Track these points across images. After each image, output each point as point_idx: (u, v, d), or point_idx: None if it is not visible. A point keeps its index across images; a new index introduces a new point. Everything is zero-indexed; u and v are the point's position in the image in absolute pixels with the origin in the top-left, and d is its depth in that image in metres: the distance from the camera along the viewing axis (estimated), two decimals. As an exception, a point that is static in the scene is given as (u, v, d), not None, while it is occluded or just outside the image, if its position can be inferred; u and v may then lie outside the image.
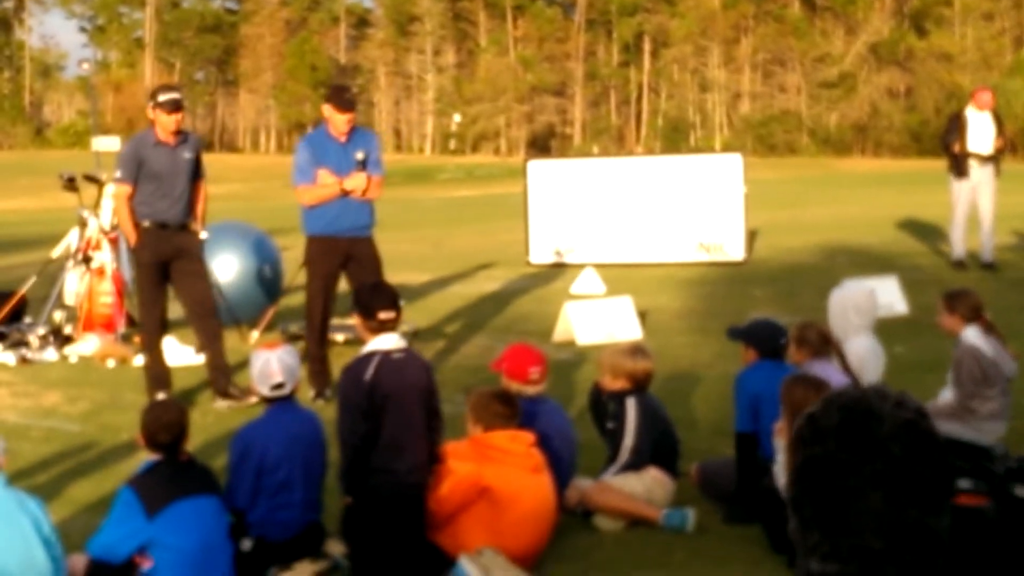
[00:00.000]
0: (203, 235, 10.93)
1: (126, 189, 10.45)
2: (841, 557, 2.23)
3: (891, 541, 2.21)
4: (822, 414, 2.31)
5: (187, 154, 10.60)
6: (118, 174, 10.52)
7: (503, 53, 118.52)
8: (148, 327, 10.63)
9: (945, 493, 2.25)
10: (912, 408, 2.29)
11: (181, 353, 11.51)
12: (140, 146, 10.56)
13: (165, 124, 10.41)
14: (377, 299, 7.24)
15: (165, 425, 6.42)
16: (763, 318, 8.64)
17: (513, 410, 7.07)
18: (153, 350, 10.61)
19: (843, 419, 2.27)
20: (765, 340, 7.92)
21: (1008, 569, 3.97)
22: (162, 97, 10.45)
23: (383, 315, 7.13)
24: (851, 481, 2.22)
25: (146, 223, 10.44)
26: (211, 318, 10.72)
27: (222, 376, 10.57)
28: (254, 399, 9.74)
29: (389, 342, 7.05)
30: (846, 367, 7.74)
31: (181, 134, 10.61)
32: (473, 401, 7.11)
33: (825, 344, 7.88)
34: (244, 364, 9.94)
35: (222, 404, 10.41)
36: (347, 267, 10.68)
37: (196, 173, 10.73)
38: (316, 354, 10.75)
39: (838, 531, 2.23)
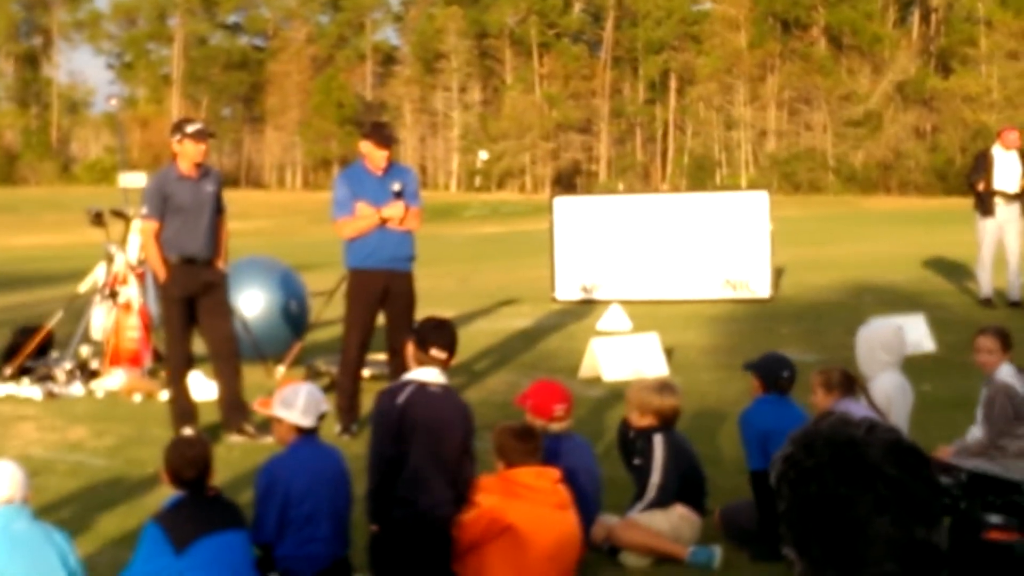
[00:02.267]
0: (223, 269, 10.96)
1: (153, 225, 10.48)
2: None
3: (905, 563, 2.19)
4: (805, 454, 2.29)
5: (210, 187, 10.64)
6: (144, 210, 10.56)
7: (529, 90, 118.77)
8: (174, 362, 10.64)
9: (940, 505, 2.24)
10: (885, 428, 2.29)
11: (207, 388, 11.53)
12: (164, 181, 10.60)
13: (192, 154, 10.45)
14: (436, 336, 7.24)
15: (190, 461, 6.41)
16: (773, 351, 8.63)
17: (532, 445, 7.04)
18: (179, 385, 10.61)
19: (832, 454, 2.26)
20: (767, 372, 7.91)
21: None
22: (190, 128, 10.51)
23: (435, 352, 7.15)
24: (856, 512, 2.21)
25: (174, 258, 10.47)
26: (232, 357, 10.73)
27: (238, 413, 10.57)
28: (269, 439, 9.76)
29: (430, 375, 7.04)
30: (873, 405, 7.70)
31: (203, 168, 10.64)
32: (494, 438, 7.11)
33: (851, 384, 7.86)
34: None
35: (236, 439, 10.41)
36: (384, 301, 10.71)
37: (218, 207, 10.77)
38: (347, 388, 10.74)
39: (854, 564, 2.21)
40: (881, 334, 8.45)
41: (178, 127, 10.64)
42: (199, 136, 10.48)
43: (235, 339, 10.84)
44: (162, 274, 10.52)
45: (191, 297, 10.51)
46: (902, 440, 2.28)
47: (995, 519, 3.98)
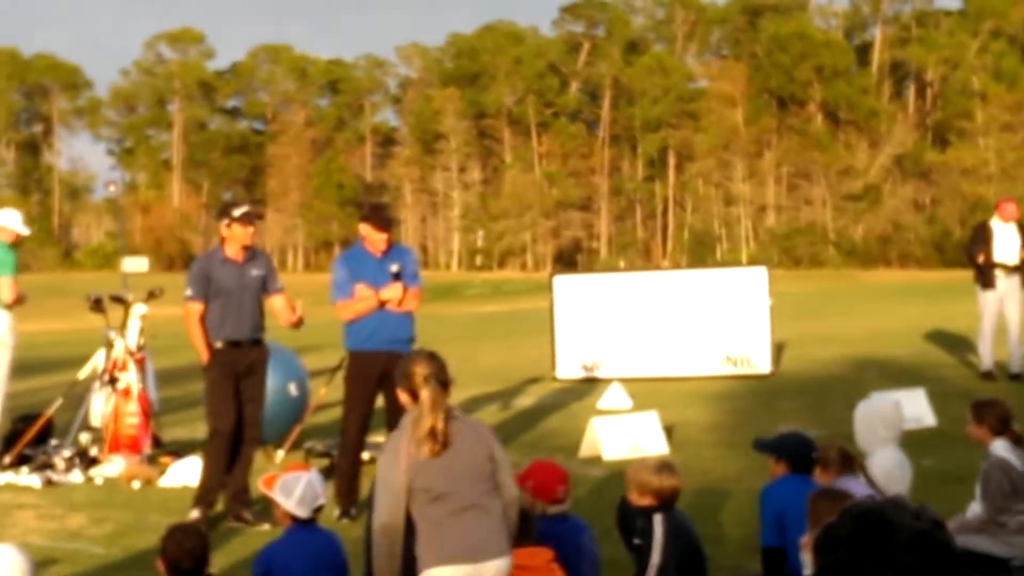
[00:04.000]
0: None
1: (197, 307, 10.53)
2: None
3: None
4: (838, 523, 2.31)
5: (255, 271, 10.70)
6: (189, 292, 10.59)
7: (528, 169, 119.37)
8: (216, 441, 10.59)
9: None
10: (929, 519, 2.29)
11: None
12: (208, 264, 10.70)
13: (241, 237, 10.53)
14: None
15: (187, 552, 6.40)
16: (792, 430, 8.59)
17: (527, 526, 7.01)
18: (216, 464, 10.55)
19: (856, 528, 2.27)
20: (797, 453, 7.87)
21: None
22: (237, 212, 10.61)
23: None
24: None
25: (219, 344, 10.53)
26: (253, 444, 10.79)
27: (239, 502, 10.55)
28: (267, 526, 9.74)
29: None
30: (871, 482, 7.68)
31: (249, 251, 10.71)
32: None
33: (848, 461, 7.85)
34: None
35: (232, 525, 10.38)
36: (383, 384, 10.69)
37: (266, 290, 10.80)
38: (347, 471, 10.72)
39: None
40: (880, 409, 8.44)
41: (225, 211, 10.74)
42: (246, 219, 10.59)
43: (260, 427, 10.85)
44: (205, 356, 10.57)
45: (238, 377, 10.59)
46: (936, 534, 2.27)
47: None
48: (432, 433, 5.91)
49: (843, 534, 2.29)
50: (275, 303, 10.92)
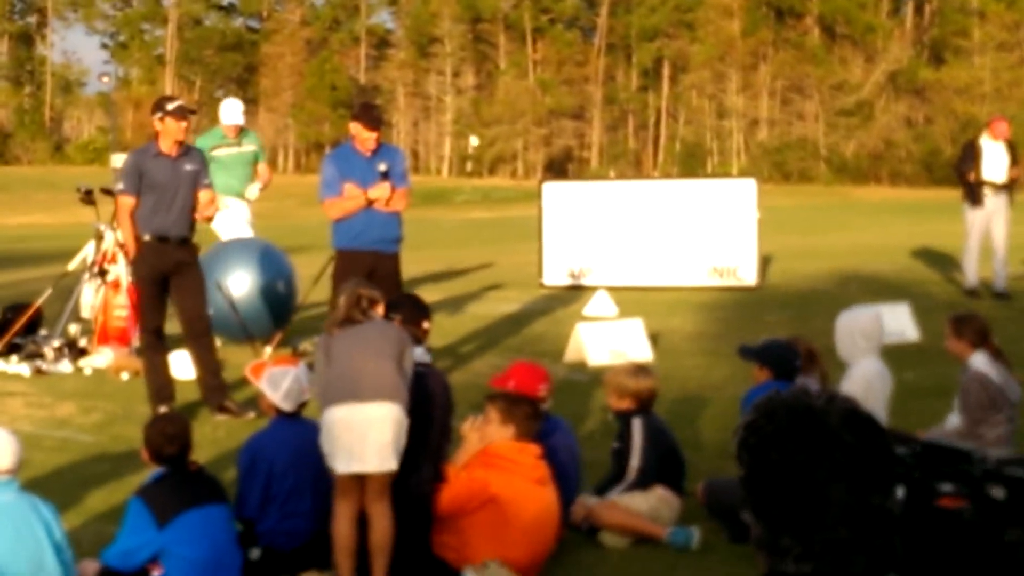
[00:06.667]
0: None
1: (129, 201, 10.48)
2: (815, 555, 2.30)
3: (857, 529, 2.27)
4: (767, 421, 2.37)
5: (188, 166, 10.61)
6: (120, 186, 10.58)
7: (522, 76, 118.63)
8: (146, 340, 10.68)
9: (894, 474, 2.32)
10: (843, 398, 2.37)
11: (191, 368, 11.58)
12: (142, 158, 10.60)
13: (174, 131, 10.44)
14: (422, 310, 7.81)
15: (170, 438, 6.50)
16: (777, 338, 8.70)
17: (540, 416, 7.23)
18: (154, 363, 10.63)
19: (792, 420, 2.34)
20: (781, 360, 8.00)
21: (984, 568, 4.07)
22: (171, 106, 10.52)
23: (427, 324, 7.75)
24: (813, 478, 2.28)
25: (147, 236, 10.47)
26: (205, 336, 10.75)
27: (217, 392, 10.62)
28: (252, 415, 9.84)
29: (416, 355, 7.14)
30: (823, 380, 7.98)
31: (183, 146, 10.66)
32: (502, 404, 7.17)
33: (812, 359, 8.10)
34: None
35: (220, 418, 10.46)
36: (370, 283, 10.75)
37: (197, 185, 10.69)
38: None
39: (810, 529, 2.29)
40: (860, 321, 8.53)
41: (159, 105, 10.65)
42: (180, 114, 10.48)
43: (207, 318, 10.83)
44: (132, 251, 10.57)
45: (163, 275, 10.53)
46: (859, 410, 2.36)
47: (946, 487, 4.10)
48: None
49: (780, 428, 2.36)
50: (201, 196, 10.73)
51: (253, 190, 14.71)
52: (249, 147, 14.74)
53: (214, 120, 15.24)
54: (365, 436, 6.61)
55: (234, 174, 14.39)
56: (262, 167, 14.89)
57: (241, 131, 14.68)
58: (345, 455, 6.61)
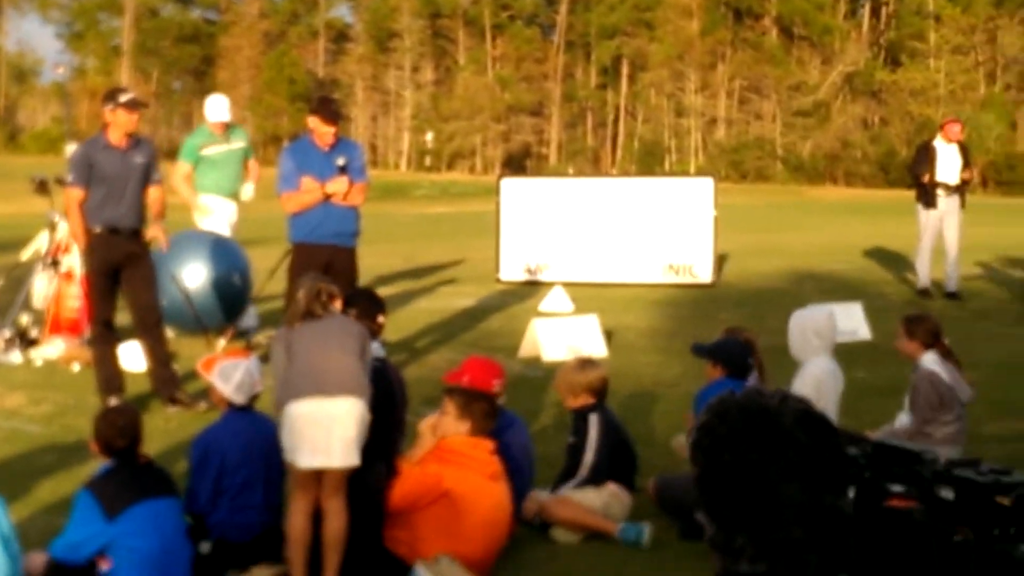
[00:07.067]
0: (160, 236, 10.94)
1: (78, 193, 10.40)
2: (769, 554, 2.30)
3: (810, 529, 2.28)
4: (719, 421, 2.38)
5: (139, 159, 10.54)
6: (69, 178, 10.49)
7: (481, 72, 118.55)
8: (96, 331, 10.62)
9: (847, 474, 2.33)
10: (796, 398, 2.38)
11: (142, 359, 11.52)
12: (91, 150, 10.52)
13: (125, 123, 10.37)
14: (377, 305, 7.94)
15: (120, 430, 6.46)
16: (729, 337, 8.72)
17: (496, 413, 7.23)
18: (103, 354, 10.57)
19: (745, 421, 2.34)
20: (734, 358, 8.04)
21: (934, 568, 4.11)
22: (122, 97, 10.45)
23: (382, 319, 7.83)
24: (767, 477, 2.29)
25: (97, 228, 10.41)
26: (156, 327, 10.71)
27: (168, 384, 10.57)
28: (203, 406, 9.79)
29: (372, 350, 7.14)
30: (761, 373, 8.12)
31: (133, 138, 10.59)
32: (460, 399, 7.18)
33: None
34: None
35: (171, 410, 10.41)
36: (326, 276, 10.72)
37: (148, 178, 10.66)
38: None
39: (763, 529, 2.30)
40: (814, 319, 8.56)
41: (110, 96, 10.57)
42: (131, 106, 10.42)
43: (158, 309, 10.79)
44: (82, 242, 10.51)
45: (114, 267, 10.47)
46: (812, 410, 2.36)
47: (896, 488, 4.14)
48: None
49: (734, 429, 2.36)
50: (150, 194, 10.70)
51: (248, 190, 14.61)
52: (238, 144, 14.63)
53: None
54: (330, 431, 6.61)
55: (225, 172, 14.30)
56: (252, 164, 14.79)
57: (228, 127, 14.56)
58: (309, 450, 6.60)
